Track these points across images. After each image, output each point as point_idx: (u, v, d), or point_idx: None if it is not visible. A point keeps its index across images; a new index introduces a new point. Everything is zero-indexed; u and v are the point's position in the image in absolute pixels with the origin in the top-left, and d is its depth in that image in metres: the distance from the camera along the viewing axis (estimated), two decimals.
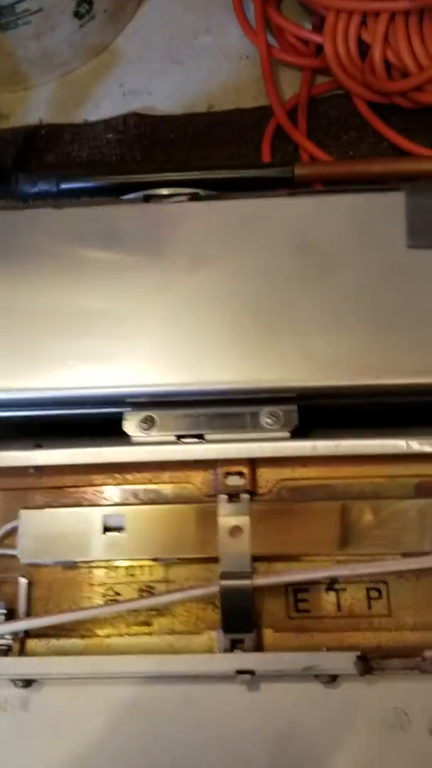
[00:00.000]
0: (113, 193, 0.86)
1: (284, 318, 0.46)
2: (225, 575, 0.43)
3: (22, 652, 0.44)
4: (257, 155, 0.89)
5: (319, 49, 0.85)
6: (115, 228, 0.50)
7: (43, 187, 0.86)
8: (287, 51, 0.92)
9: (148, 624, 0.45)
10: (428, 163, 0.83)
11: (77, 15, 0.87)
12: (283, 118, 0.90)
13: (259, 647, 0.43)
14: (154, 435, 0.46)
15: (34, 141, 0.92)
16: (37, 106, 0.95)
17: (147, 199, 0.53)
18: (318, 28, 0.87)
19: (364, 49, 0.85)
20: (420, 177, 0.82)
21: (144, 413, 0.46)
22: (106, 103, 0.95)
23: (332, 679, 0.41)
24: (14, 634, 0.44)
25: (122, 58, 0.98)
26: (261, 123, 0.91)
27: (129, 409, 0.47)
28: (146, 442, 0.46)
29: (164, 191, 0.54)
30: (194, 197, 0.52)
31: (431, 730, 0.41)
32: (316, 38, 0.88)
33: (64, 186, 0.86)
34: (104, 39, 0.97)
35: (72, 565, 0.45)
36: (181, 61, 0.97)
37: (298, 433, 0.46)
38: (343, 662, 0.41)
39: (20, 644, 0.44)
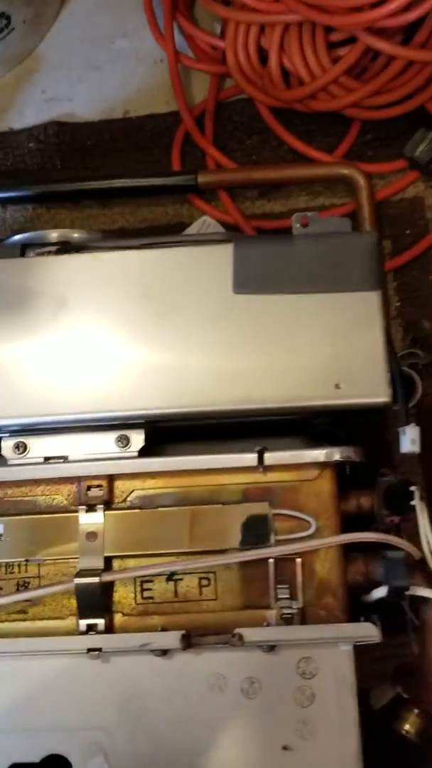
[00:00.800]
0: (38, 202, 0.94)
1: (134, 354, 0.55)
2: (81, 573, 0.54)
3: None
4: (169, 160, 0.96)
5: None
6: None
7: None
8: (197, 56, 0.98)
9: (24, 612, 0.55)
10: (319, 169, 0.90)
11: None
12: (191, 124, 0.96)
13: (110, 629, 0.54)
14: (26, 457, 0.56)
15: None
16: None
17: (22, 252, 0.60)
18: (224, 34, 0.93)
19: (265, 55, 0.91)
20: (313, 182, 0.90)
21: (17, 439, 0.56)
22: (28, 110, 1.01)
23: (164, 653, 0.52)
24: None
25: (44, 63, 1.04)
26: (173, 128, 0.97)
27: (5, 435, 0.56)
28: (20, 464, 0.56)
29: (41, 240, 0.62)
30: (60, 251, 0.60)
31: (242, 690, 0.52)
32: (221, 44, 0.94)
33: None
34: (26, 47, 1.02)
35: None
36: (100, 67, 1.02)
37: (146, 451, 0.55)
38: (171, 640, 0.51)
39: None
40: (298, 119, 0.92)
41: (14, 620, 0.55)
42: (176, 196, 0.94)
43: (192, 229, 0.86)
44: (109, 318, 0.57)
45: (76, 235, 0.65)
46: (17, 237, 0.65)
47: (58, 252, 0.59)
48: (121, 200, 0.94)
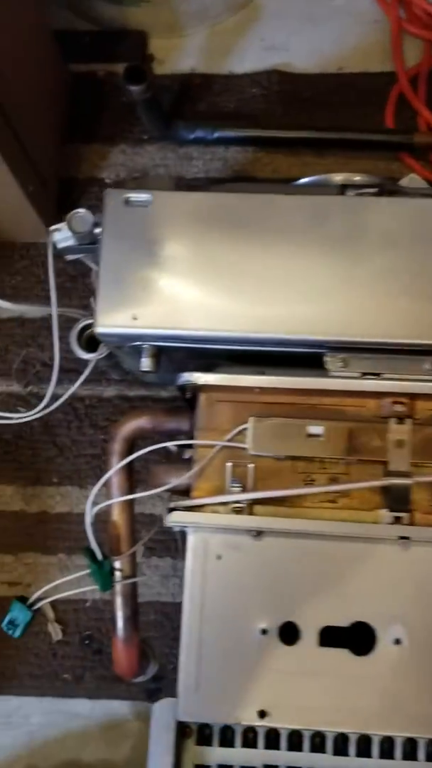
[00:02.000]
0: (258, 145, 1.01)
1: None
2: (391, 473, 0.63)
3: (251, 513, 0.64)
4: (380, 118, 1.03)
5: None
6: (322, 214, 0.66)
7: (199, 134, 1.01)
8: (413, 22, 1.05)
9: (334, 501, 0.65)
10: None
11: None
12: (406, 85, 1.03)
13: (412, 523, 0.63)
14: (346, 371, 0.65)
15: (188, 89, 1.06)
16: (189, 55, 1.08)
17: (342, 189, 0.68)
18: None
19: None
20: None
21: (340, 355, 0.65)
22: (248, 56, 1.08)
23: None
24: (246, 501, 0.64)
25: (264, 12, 1.10)
26: (387, 87, 1.04)
27: (328, 351, 0.65)
28: (340, 376, 0.65)
29: (357, 181, 0.70)
30: (381, 192, 0.68)
31: None
32: None
33: (218, 135, 1.01)
34: None
35: (283, 459, 0.65)
36: (317, 21, 1.09)
37: None
38: None
39: (249, 509, 0.64)
40: None
41: (327, 507, 0.65)
42: (388, 152, 1.01)
43: None
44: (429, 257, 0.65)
45: (357, 178, 0.73)
46: (304, 180, 0.74)
47: (377, 194, 0.67)
48: (334, 151, 1.01)
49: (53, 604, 0.88)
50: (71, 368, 0.89)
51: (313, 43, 1.08)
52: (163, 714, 0.61)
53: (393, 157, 1.01)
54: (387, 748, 0.63)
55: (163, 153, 1.02)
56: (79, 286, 0.97)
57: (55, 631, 0.88)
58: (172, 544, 0.90)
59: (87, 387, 0.95)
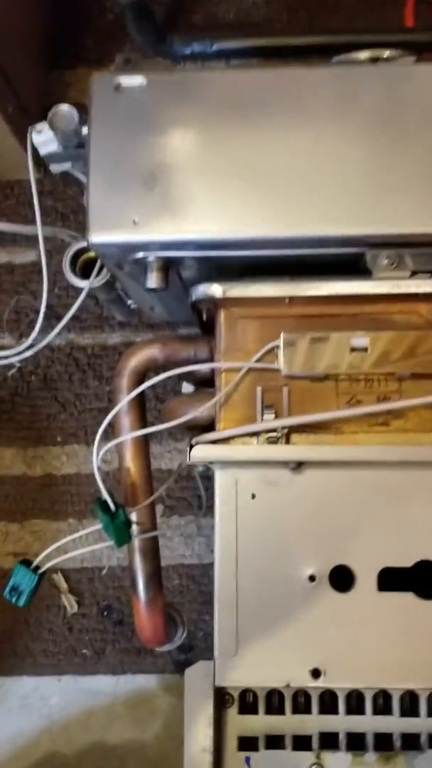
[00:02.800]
0: (264, 55, 0.91)
1: None
2: None
3: (288, 443, 0.54)
4: (398, 17, 0.92)
5: None
6: (353, 87, 0.56)
7: (196, 47, 0.91)
8: None
9: (386, 424, 0.55)
10: None
11: None
12: None
13: None
14: (393, 271, 0.55)
15: (181, 1, 0.95)
16: None
17: (374, 60, 0.58)
18: None
19: None
20: None
21: (386, 252, 0.55)
22: None
23: None
24: (281, 429, 0.54)
25: None
26: None
27: (369, 249, 0.55)
28: (386, 277, 0.55)
29: (389, 53, 0.59)
30: (420, 59, 0.58)
31: None
32: None
33: (217, 47, 0.90)
34: None
35: (322, 378, 0.55)
36: None
37: None
38: None
39: (286, 438, 0.55)
40: None
41: (377, 431, 0.55)
42: (409, 54, 0.90)
43: None
44: None
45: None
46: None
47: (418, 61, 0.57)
48: None
49: (66, 574, 0.79)
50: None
51: None
52: (197, 680, 0.51)
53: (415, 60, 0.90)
54: None
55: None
56: (70, 213, 0.87)
57: (70, 603, 0.79)
58: (195, 501, 0.81)
59: (89, 334, 0.85)
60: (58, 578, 0.79)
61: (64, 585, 0.79)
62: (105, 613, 0.78)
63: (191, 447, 0.54)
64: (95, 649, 0.78)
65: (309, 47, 0.90)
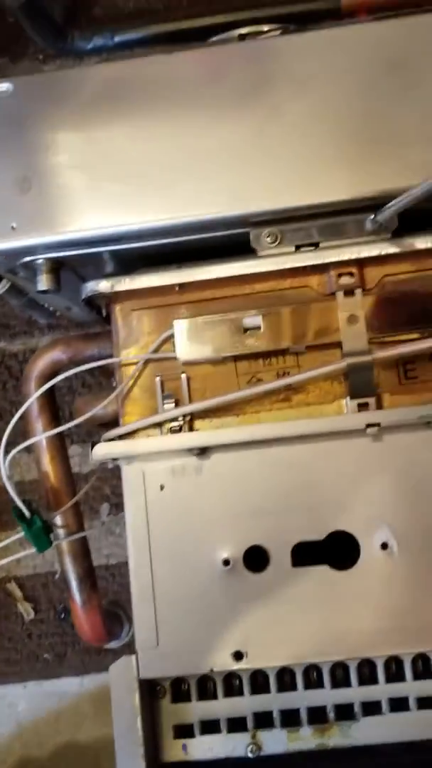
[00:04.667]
0: (167, 42, 0.90)
1: (382, 132, 0.53)
2: (348, 354, 0.53)
3: (191, 431, 0.54)
4: None
5: None
6: (220, 67, 0.56)
7: (98, 42, 0.90)
8: None
9: (288, 400, 0.55)
10: None
11: None
12: None
13: (380, 407, 0.54)
14: (277, 248, 0.55)
15: None
16: None
17: (242, 37, 0.58)
18: None
19: None
20: None
21: (267, 229, 0.55)
22: None
23: None
24: (183, 417, 0.54)
25: None
26: None
27: (253, 228, 0.55)
28: (271, 254, 0.55)
29: (252, 29, 0.59)
30: (285, 31, 0.57)
31: None
32: None
33: (119, 39, 0.90)
34: None
35: (220, 361, 0.55)
36: None
37: (397, 234, 0.54)
38: None
39: (189, 425, 0.55)
40: None
41: (279, 408, 0.55)
42: (315, 24, 0.89)
43: None
44: (353, 95, 0.54)
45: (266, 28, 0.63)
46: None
47: (284, 33, 0.57)
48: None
49: (20, 582, 0.79)
50: None
51: None
52: (122, 675, 0.52)
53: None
54: (395, 670, 0.54)
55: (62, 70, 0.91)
56: None
57: (27, 610, 0.79)
58: None
59: (19, 341, 0.85)
60: (12, 587, 0.79)
61: (18, 593, 0.79)
62: (62, 615, 0.79)
63: (92, 445, 0.54)
64: (56, 653, 0.79)
65: (209, 28, 0.89)
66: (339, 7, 0.86)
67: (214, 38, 0.62)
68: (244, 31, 0.60)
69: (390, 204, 0.52)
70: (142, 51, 0.90)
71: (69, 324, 0.84)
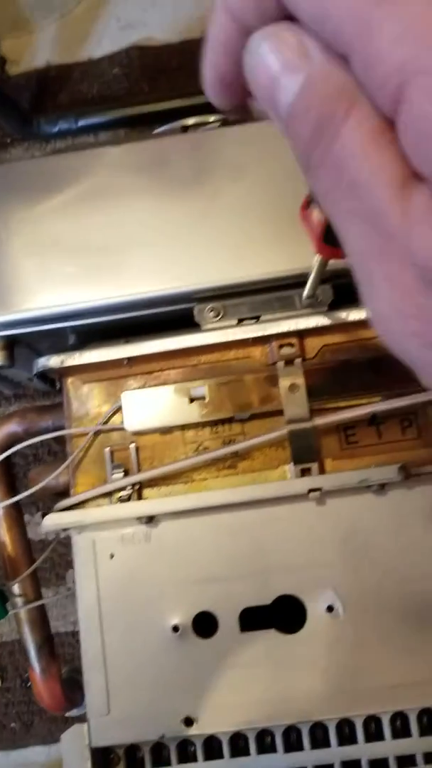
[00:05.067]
0: (128, 125, 0.95)
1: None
2: (290, 421, 0.56)
3: (140, 499, 0.56)
4: None
5: None
6: (163, 156, 0.60)
7: (63, 126, 0.95)
8: None
9: (234, 467, 0.57)
10: None
11: None
12: None
13: (321, 473, 0.56)
14: (220, 322, 0.58)
15: (46, 83, 1.00)
16: (42, 49, 1.03)
17: (185, 129, 0.62)
18: None
19: None
20: None
21: (210, 304, 0.58)
22: (105, 40, 1.02)
23: (381, 488, 0.54)
24: (132, 486, 0.56)
25: None
26: None
27: (197, 303, 0.58)
28: (214, 328, 0.57)
29: (195, 120, 0.63)
30: (224, 123, 0.61)
31: None
32: None
33: (82, 123, 0.95)
34: None
35: (168, 431, 0.58)
36: None
37: (334, 307, 0.57)
38: (389, 473, 0.54)
39: (138, 494, 0.56)
40: None
41: (225, 475, 0.57)
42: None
43: None
44: (286, 179, 0.58)
45: (212, 118, 0.67)
46: (162, 128, 0.67)
47: (223, 125, 0.61)
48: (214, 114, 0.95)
49: None
50: None
51: (172, 12, 1.02)
52: (73, 744, 0.52)
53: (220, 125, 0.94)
54: (348, 733, 0.54)
55: (30, 152, 0.96)
56: None
57: None
58: None
59: None
60: None
61: None
62: (28, 684, 0.79)
63: (43, 516, 0.55)
64: (23, 722, 0.79)
65: (169, 112, 0.94)
66: None
67: (158, 129, 0.66)
68: (188, 122, 0.64)
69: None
70: (104, 135, 0.95)
71: (35, 393, 0.87)
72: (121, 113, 0.94)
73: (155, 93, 0.97)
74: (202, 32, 0.97)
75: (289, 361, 0.57)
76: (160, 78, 0.98)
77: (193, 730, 0.53)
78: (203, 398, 0.57)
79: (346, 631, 0.53)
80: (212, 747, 0.55)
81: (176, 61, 0.99)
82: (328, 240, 0.41)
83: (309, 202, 0.41)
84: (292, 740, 0.55)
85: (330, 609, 0.54)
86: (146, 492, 0.57)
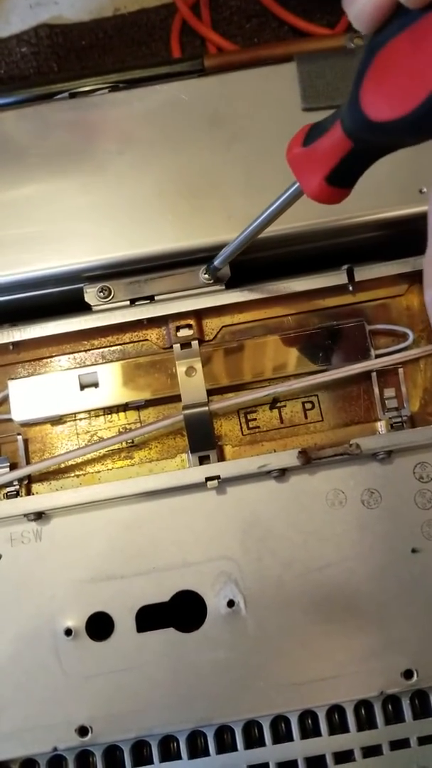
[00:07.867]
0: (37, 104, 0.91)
1: (206, 185, 0.54)
2: (187, 406, 0.52)
3: (29, 495, 0.52)
4: (168, 52, 0.93)
5: None
6: (49, 123, 0.56)
7: None
8: None
9: (130, 458, 0.54)
10: (325, 42, 0.89)
11: None
12: (187, 13, 0.94)
13: (221, 460, 0.53)
14: (111, 302, 0.54)
15: None
16: None
17: (73, 95, 0.58)
18: None
19: None
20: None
21: (100, 284, 0.54)
22: (14, 18, 0.97)
23: (282, 473, 0.51)
24: (20, 481, 0.52)
25: None
26: (167, 20, 0.95)
27: (87, 283, 0.54)
28: (105, 309, 0.54)
29: (87, 88, 0.60)
30: (114, 89, 0.58)
31: (363, 501, 0.52)
32: None
33: None
34: None
35: (59, 421, 0.54)
36: None
37: (232, 286, 0.54)
38: (288, 458, 0.51)
39: (26, 489, 0.53)
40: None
41: (121, 466, 0.54)
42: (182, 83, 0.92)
43: None
44: (178, 149, 0.55)
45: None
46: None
47: (112, 90, 0.57)
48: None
49: None
50: None
51: None
52: None
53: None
54: (256, 735, 0.51)
55: None
56: None
57: None
58: None
59: None
60: None
61: None
62: None
63: None
64: None
65: (74, 90, 0.90)
66: (202, 68, 0.88)
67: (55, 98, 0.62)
68: (77, 89, 0.61)
69: (219, 254, 0.52)
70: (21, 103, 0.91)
71: None
72: (29, 93, 0.89)
73: (64, 72, 0.93)
74: (114, 11, 0.93)
75: (186, 344, 0.54)
76: (69, 56, 0.94)
77: (87, 740, 0.49)
78: (95, 385, 0.53)
79: (248, 626, 0.50)
80: (114, 757, 0.51)
81: (87, 40, 0.95)
82: (334, 180, 0.38)
83: (307, 136, 0.38)
84: (200, 745, 0.52)
85: (231, 604, 0.51)
86: (36, 487, 0.53)
